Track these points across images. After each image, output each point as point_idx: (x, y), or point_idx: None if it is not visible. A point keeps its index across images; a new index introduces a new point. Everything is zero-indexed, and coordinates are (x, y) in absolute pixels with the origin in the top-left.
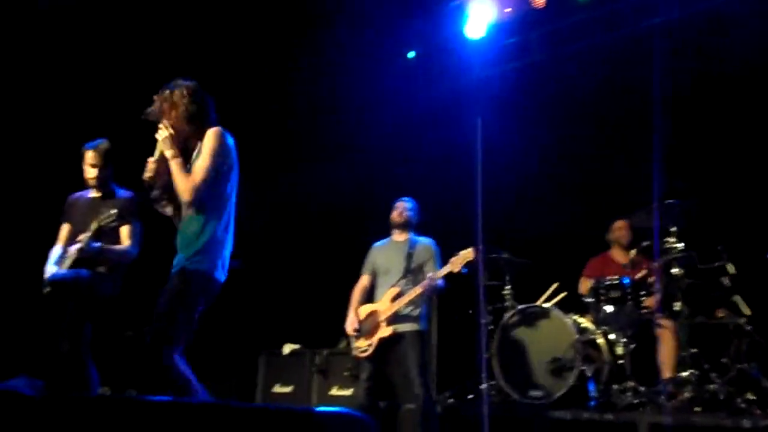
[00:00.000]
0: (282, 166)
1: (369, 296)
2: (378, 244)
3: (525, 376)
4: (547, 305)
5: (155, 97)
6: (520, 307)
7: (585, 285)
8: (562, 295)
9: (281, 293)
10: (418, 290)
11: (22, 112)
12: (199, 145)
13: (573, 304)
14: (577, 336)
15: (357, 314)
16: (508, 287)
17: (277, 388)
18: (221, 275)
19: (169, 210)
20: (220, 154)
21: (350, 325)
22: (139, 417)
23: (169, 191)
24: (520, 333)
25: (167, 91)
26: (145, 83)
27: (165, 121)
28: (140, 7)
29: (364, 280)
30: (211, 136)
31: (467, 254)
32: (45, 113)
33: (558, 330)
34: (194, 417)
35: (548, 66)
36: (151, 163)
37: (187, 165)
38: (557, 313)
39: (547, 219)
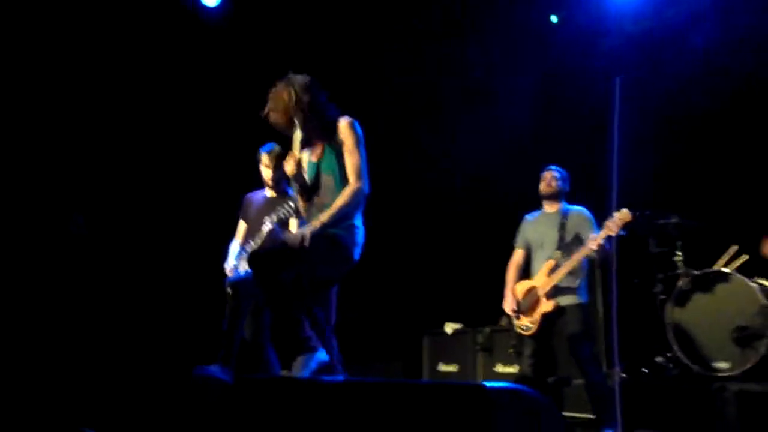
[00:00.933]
0: (423, 140)
1: (524, 271)
2: (529, 216)
3: (707, 348)
4: (726, 269)
5: (271, 95)
6: (695, 272)
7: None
8: (743, 258)
9: (440, 273)
10: (578, 258)
11: (198, 114)
12: (332, 137)
13: (757, 268)
14: (765, 300)
15: (514, 292)
16: (680, 253)
17: (443, 367)
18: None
19: (301, 205)
20: (362, 144)
21: (509, 305)
22: (318, 397)
23: (306, 191)
24: (697, 301)
25: (283, 87)
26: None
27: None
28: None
29: (517, 255)
30: (349, 128)
31: (624, 216)
32: (216, 115)
33: (742, 295)
34: (367, 396)
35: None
36: (294, 159)
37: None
38: (739, 277)
39: (718, 177)
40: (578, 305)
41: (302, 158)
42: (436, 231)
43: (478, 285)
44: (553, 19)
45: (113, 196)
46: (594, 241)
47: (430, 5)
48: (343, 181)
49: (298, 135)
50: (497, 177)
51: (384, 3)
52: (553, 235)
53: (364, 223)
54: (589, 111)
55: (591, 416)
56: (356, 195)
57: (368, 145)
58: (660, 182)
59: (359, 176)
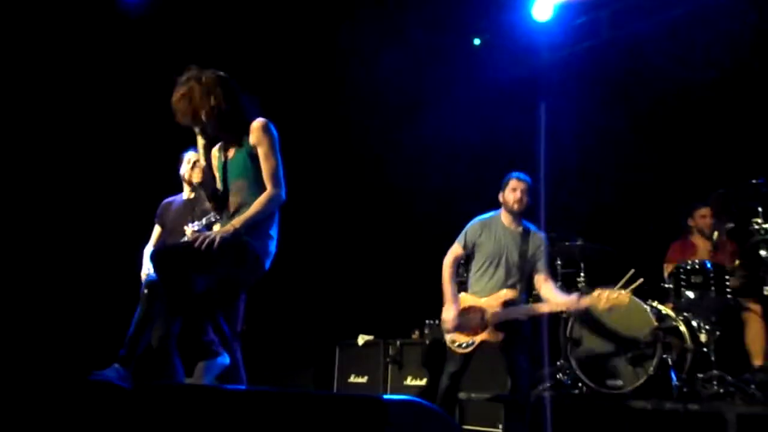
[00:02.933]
0: (347, 155)
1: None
2: (483, 219)
3: (602, 365)
4: (623, 291)
5: (179, 92)
6: None
7: (669, 269)
8: (639, 281)
9: (356, 284)
10: (557, 309)
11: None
12: (244, 138)
13: (651, 291)
14: (656, 323)
15: (457, 305)
16: (582, 274)
17: (353, 378)
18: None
19: (209, 209)
20: (278, 147)
21: (450, 320)
22: (219, 405)
23: (216, 198)
24: (595, 321)
25: (188, 85)
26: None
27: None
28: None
29: (457, 252)
30: (263, 131)
31: (622, 299)
32: (136, 114)
33: (636, 317)
34: (267, 405)
35: (618, 45)
36: (199, 168)
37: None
38: (635, 300)
39: (621, 204)
40: (525, 327)
41: (213, 157)
42: (354, 243)
43: (391, 297)
44: (476, 41)
45: (26, 196)
46: (579, 306)
47: (355, 32)
48: (256, 185)
49: (200, 141)
50: (415, 192)
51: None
52: (513, 258)
53: (281, 231)
54: (515, 133)
55: (492, 429)
56: (272, 202)
57: (283, 148)
58: (575, 206)
59: (276, 182)
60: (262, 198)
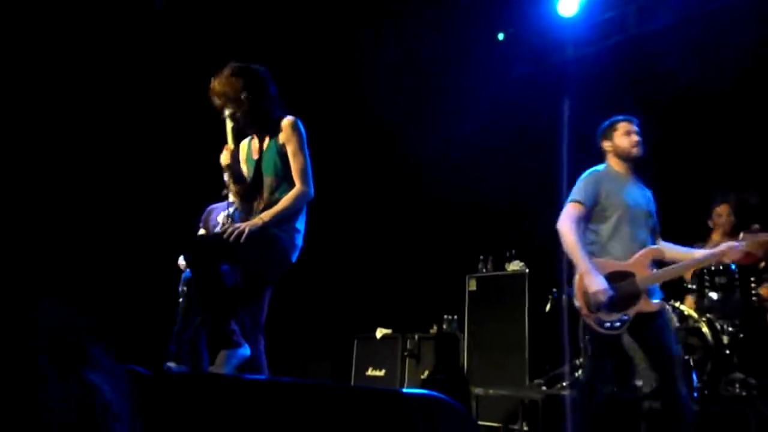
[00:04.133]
0: (368, 150)
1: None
2: (598, 171)
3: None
4: None
5: (217, 80)
6: None
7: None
8: None
9: (374, 279)
10: (700, 261)
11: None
12: (274, 135)
13: (673, 291)
14: (678, 323)
15: (602, 271)
16: None
17: (371, 372)
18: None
19: (232, 197)
20: (306, 144)
21: (603, 290)
22: (237, 394)
23: (241, 182)
24: None
25: (232, 74)
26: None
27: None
28: None
29: (577, 211)
30: (292, 128)
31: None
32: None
33: None
34: (286, 396)
35: (644, 42)
36: (227, 150)
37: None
38: None
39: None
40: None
41: (242, 149)
42: (375, 237)
43: (409, 292)
44: (500, 36)
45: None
46: (738, 251)
47: (381, 28)
48: (285, 181)
49: (229, 124)
50: (436, 186)
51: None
52: (642, 209)
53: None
54: (538, 129)
55: (510, 426)
56: (301, 198)
57: (310, 144)
58: None
59: (305, 179)
60: (291, 194)
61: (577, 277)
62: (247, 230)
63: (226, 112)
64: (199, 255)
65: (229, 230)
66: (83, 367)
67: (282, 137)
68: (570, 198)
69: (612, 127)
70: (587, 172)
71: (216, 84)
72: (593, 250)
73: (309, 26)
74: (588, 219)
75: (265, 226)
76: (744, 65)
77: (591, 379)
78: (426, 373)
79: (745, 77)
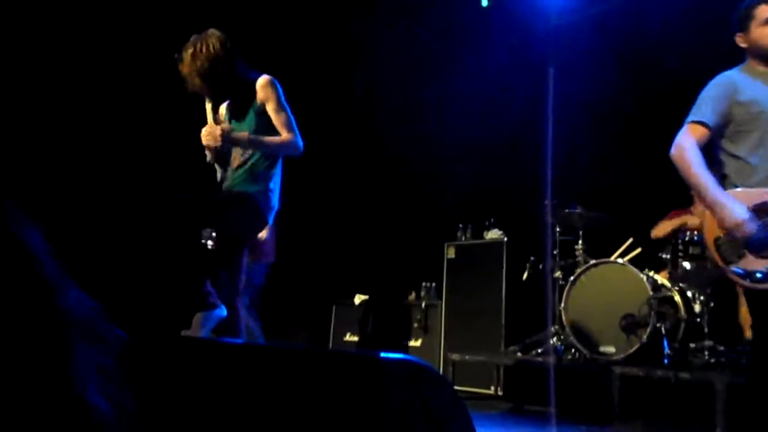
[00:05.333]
0: (344, 119)
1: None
2: (730, 78)
3: (596, 332)
4: (620, 260)
5: (184, 58)
6: (592, 262)
7: (661, 228)
8: (636, 251)
9: (352, 245)
10: None
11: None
12: (250, 97)
13: (648, 261)
14: (651, 292)
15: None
16: (580, 242)
17: (348, 337)
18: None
19: (219, 172)
20: (285, 100)
21: (744, 222)
22: (212, 358)
23: (223, 157)
24: (591, 288)
25: (197, 47)
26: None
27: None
28: None
29: (700, 134)
30: (270, 86)
31: None
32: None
33: (632, 286)
34: (261, 359)
35: (629, 12)
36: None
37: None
38: (631, 268)
39: (623, 173)
40: None
41: (221, 116)
42: (356, 205)
43: (387, 258)
44: (484, 2)
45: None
46: None
47: None
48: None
49: (208, 104)
50: (416, 153)
51: None
52: None
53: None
54: (523, 98)
55: (484, 391)
56: (286, 144)
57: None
58: (576, 173)
59: (291, 130)
60: (278, 138)
61: (706, 218)
62: (226, 135)
63: (199, 89)
64: (178, 218)
65: (206, 131)
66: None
67: (260, 96)
68: (688, 118)
69: (747, 15)
70: (715, 79)
71: (185, 66)
72: (731, 181)
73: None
74: (717, 142)
75: (247, 143)
76: (729, 37)
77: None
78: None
79: (730, 49)
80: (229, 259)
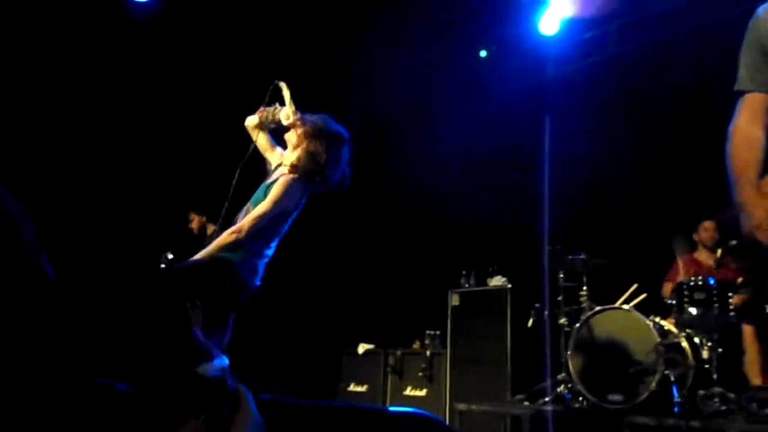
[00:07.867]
0: (353, 167)
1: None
2: (756, 14)
3: (603, 380)
4: (626, 306)
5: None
6: (598, 308)
7: (668, 288)
8: (642, 296)
9: (356, 294)
10: None
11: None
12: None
13: (654, 307)
14: (659, 339)
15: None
16: (585, 288)
17: (353, 387)
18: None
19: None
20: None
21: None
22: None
23: None
24: (597, 335)
25: (313, 130)
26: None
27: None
28: None
29: (753, 104)
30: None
31: None
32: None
33: (638, 332)
34: (270, 413)
35: (624, 61)
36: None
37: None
38: (637, 315)
39: (626, 220)
40: None
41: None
42: (357, 253)
43: (392, 307)
44: (482, 53)
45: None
46: None
47: (362, 42)
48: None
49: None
50: (419, 202)
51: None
52: None
53: (285, 240)
54: (520, 146)
55: None
56: (231, 239)
57: None
58: (579, 219)
59: (252, 222)
60: (225, 234)
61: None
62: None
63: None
64: (164, 292)
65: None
66: None
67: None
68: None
69: None
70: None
71: (297, 132)
72: None
73: (292, 40)
74: None
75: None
76: (727, 82)
77: None
78: (409, 389)
79: (725, 96)
80: (215, 323)
